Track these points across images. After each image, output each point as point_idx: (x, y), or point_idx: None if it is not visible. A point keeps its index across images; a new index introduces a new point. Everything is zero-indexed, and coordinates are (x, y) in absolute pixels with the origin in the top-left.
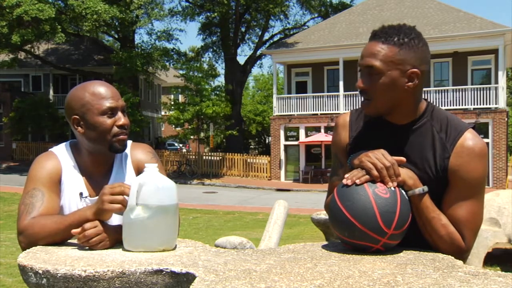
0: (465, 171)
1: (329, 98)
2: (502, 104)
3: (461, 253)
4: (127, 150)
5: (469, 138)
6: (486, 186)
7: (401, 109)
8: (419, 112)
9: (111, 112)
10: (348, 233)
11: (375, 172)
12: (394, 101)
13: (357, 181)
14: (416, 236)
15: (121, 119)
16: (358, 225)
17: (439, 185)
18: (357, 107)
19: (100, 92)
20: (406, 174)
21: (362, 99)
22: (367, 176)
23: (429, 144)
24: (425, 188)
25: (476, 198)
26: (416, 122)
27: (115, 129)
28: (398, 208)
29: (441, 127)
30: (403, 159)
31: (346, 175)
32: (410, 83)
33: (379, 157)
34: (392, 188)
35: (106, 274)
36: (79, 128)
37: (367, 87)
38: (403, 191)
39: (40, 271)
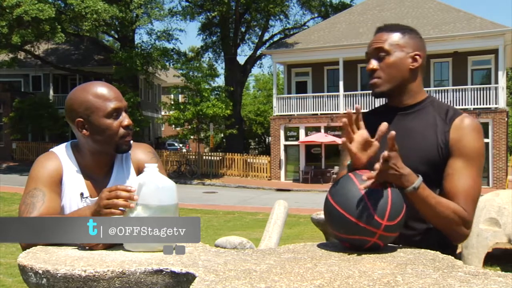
0: (464, 141)
1: (329, 98)
2: (502, 104)
3: (468, 226)
4: None
5: (466, 117)
6: (487, 186)
7: (406, 88)
8: (421, 97)
9: (116, 113)
10: (343, 229)
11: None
12: (400, 79)
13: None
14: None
15: (126, 119)
16: (351, 219)
17: (442, 162)
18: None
19: (104, 94)
20: (407, 173)
21: (372, 80)
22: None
23: (430, 123)
24: (420, 178)
25: (474, 169)
26: (418, 104)
27: (122, 130)
28: (389, 198)
29: (441, 110)
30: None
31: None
32: (414, 63)
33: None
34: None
35: (106, 274)
36: (84, 131)
37: (377, 67)
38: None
39: (40, 271)
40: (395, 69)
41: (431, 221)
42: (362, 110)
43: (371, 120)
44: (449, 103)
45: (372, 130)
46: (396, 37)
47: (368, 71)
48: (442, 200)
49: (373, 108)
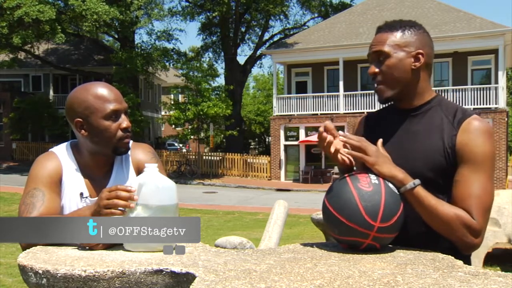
0: (472, 146)
1: (329, 98)
2: (502, 104)
3: (477, 235)
4: None
5: (476, 119)
6: None
7: (410, 90)
8: (428, 97)
9: (115, 115)
10: (337, 230)
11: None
12: (403, 80)
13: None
14: (419, 236)
15: (125, 122)
16: (343, 220)
17: (450, 168)
18: (359, 107)
19: (104, 95)
20: (397, 169)
21: (375, 85)
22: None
23: (437, 126)
24: (416, 181)
25: (484, 175)
26: (425, 105)
27: (120, 133)
28: (382, 200)
29: (449, 111)
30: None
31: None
32: (416, 63)
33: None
34: (376, 181)
35: (106, 274)
36: (83, 131)
37: (378, 71)
38: (390, 184)
39: (40, 271)
40: (397, 71)
41: (432, 225)
42: (364, 110)
43: (374, 121)
44: None
45: (373, 132)
46: (396, 36)
47: (370, 75)
48: (443, 204)
49: (379, 108)
